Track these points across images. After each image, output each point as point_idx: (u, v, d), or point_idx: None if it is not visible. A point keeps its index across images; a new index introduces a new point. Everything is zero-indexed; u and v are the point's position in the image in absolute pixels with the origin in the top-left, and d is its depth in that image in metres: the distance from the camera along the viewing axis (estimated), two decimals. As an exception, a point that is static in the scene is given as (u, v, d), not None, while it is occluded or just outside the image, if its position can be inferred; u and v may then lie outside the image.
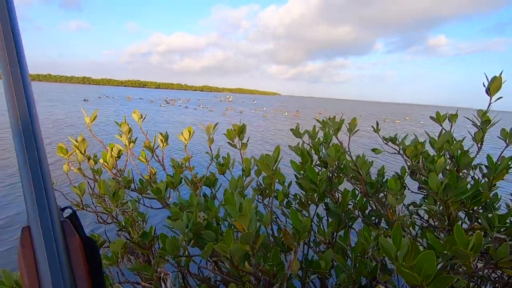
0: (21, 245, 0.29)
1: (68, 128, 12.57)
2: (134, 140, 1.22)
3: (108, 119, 15.78)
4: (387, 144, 1.55)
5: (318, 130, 1.49)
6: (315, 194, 1.24)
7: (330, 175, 1.37)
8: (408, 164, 1.20)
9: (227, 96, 55.53)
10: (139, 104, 29.46)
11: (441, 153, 1.04)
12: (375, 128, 1.65)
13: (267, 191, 1.19)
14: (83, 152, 1.10)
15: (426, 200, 1.08)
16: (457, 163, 0.96)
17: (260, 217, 1.07)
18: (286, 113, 28.23)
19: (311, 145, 1.51)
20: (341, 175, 1.35)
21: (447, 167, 0.98)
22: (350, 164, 1.61)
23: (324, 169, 1.37)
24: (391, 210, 1.01)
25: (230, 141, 1.43)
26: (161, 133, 1.19)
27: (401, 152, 1.43)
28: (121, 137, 1.15)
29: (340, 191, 1.29)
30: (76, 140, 1.09)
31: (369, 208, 1.23)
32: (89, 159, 1.15)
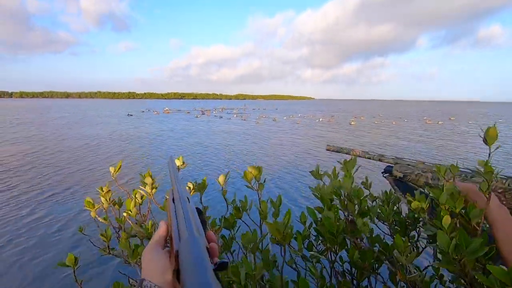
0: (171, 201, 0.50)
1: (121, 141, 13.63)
2: (157, 185, 1.28)
3: (154, 130, 16.97)
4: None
5: (339, 172, 1.44)
6: (335, 245, 1.19)
7: (351, 218, 1.30)
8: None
9: (263, 108, 55.99)
10: (177, 116, 31.08)
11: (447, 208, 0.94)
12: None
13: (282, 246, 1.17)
14: (108, 200, 1.19)
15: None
16: (467, 216, 0.87)
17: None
18: (321, 119, 27.60)
19: (331, 187, 1.45)
20: (364, 220, 1.28)
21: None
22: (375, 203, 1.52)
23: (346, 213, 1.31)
24: (400, 270, 0.93)
25: (248, 184, 1.44)
26: (190, 182, 1.24)
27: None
28: (145, 187, 1.21)
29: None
30: (102, 189, 1.18)
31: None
32: (114, 204, 1.24)
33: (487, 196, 0.82)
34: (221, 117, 29.70)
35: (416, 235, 1.41)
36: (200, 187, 1.26)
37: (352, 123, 24.26)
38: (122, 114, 32.14)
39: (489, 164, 0.83)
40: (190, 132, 17.76)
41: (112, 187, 1.32)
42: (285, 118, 29.95)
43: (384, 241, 1.20)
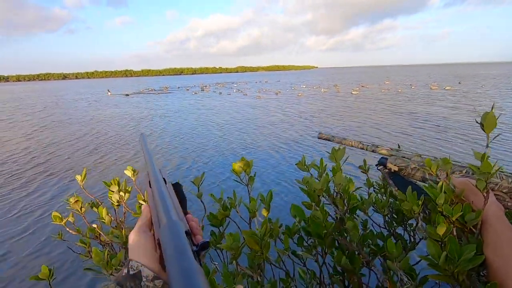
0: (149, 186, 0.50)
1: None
2: (129, 189, 1.20)
3: (151, 112, 16.83)
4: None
5: (326, 164, 1.33)
6: (323, 246, 1.12)
7: (340, 216, 1.22)
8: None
9: (265, 81, 54.85)
10: (177, 94, 30.65)
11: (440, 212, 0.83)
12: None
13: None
14: (80, 212, 1.12)
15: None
16: (462, 219, 0.77)
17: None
18: (322, 90, 26.96)
19: (318, 180, 1.35)
20: (353, 217, 1.20)
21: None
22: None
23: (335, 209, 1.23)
24: (389, 280, 0.85)
25: (238, 179, 1.36)
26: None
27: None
28: (111, 196, 1.13)
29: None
30: (68, 200, 1.11)
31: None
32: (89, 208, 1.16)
33: (485, 195, 0.71)
34: (221, 93, 29.20)
35: (415, 223, 1.33)
36: (198, 181, 1.17)
37: (354, 92, 23.70)
38: (125, 93, 31.76)
39: (487, 157, 0.71)
40: (188, 111, 17.59)
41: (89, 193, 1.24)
42: (287, 90, 29.32)
43: (376, 240, 1.12)
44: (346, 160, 1.30)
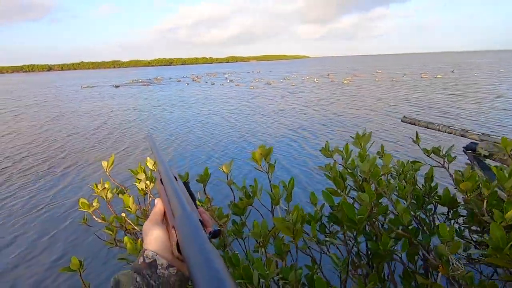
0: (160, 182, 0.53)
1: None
2: (153, 179, 1.16)
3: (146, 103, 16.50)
4: (429, 157, 1.33)
5: (352, 150, 1.31)
6: (352, 232, 1.11)
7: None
8: (463, 197, 1.01)
9: (257, 71, 54.29)
10: (169, 85, 30.07)
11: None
12: (414, 139, 1.43)
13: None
14: (106, 199, 1.08)
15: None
16: None
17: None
18: (315, 79, 26.92)
19: (343, 165, 1.34)
20: (380, 202, 1.20)
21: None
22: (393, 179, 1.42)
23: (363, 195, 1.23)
24: (442, 264, 0.85)
25: (258, 167, 1.33)
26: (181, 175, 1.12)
27: (448, 169, 1.22)
28: (138, 183, 1.10)
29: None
30: (97, 186, 1.07)
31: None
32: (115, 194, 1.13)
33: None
34: (213, 84, 28.80)
35: (433, 208, 1.34)
36: (203, 178, 1.14)
37: (345, 81, 23.77)
38: (115, 84, 30.89)
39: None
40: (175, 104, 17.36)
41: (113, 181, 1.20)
42: (282, 80, 29.14)
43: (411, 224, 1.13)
44: (372, 145, 1.29)
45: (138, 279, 0.40)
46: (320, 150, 1.34)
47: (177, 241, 0.40)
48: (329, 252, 1.23)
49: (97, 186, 1.10)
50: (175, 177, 0.53)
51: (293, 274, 0.96)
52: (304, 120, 10.74)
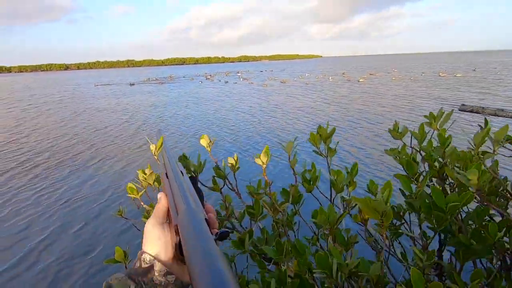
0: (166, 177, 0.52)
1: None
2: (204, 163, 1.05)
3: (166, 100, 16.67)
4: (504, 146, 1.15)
5: (427, 132, 1.15)
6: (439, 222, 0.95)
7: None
8: None
9: (270, 70, 54.27)
10: (184, 84, 30.32)
11: None
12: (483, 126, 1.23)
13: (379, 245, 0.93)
14: (152, 185, 0.97)
15: None
16: None
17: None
18: (330, 78, 26.47)
19: (416, 148, 1.18)
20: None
21: None
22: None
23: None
24: None
25: (316, 149, 1.20)
26: (231, 158, 0.99)
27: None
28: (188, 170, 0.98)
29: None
30: (143, 172, 0.96)
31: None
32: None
33: None
34: (227, 82, 28.82)
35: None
36: (233, 167, 1.01)
37: (361, 80, 23.27)
38: (130, 82, 31.47)
39: None
40: (193, 101, 17.44)
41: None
42: (295, 79, 28.86)
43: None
44: (452, 124, 1.13)
45: (132, 287, 0.37)
46: (388, 130, 1.18)
47: (179, 241, 0.37)
48: (393, 247, 1.08)
49: (144, 172, 0.99)
50: (181, 172, 0.50)
51: (377, 266, 0.81)
52: (326, 116, 10.54)
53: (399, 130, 1.19)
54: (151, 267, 0.38)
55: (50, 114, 13.87)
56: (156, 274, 0.38)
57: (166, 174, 0.51)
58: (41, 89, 30.00)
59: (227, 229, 0.37)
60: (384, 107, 11.62)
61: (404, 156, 1.11)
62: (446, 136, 1.09)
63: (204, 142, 0.96)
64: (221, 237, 0.36)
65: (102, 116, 12.88)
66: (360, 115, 10.35)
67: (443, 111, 1.17)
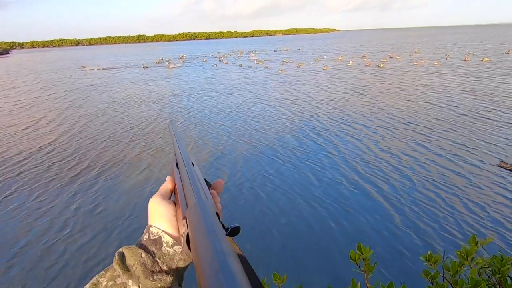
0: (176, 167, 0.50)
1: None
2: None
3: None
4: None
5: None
6: None
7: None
8: None
9: (284, 48, 52.23)
10: (198, 67, 29.99)
11: None
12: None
13: None
14: None
15: None
16: None
17: None
18: (350, 62, 25.48)
19: (448, 280, 1.35)
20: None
21: None
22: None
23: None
24: None
25: (357, 268, 1.37)
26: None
27: None
28: None
29: None
30: None
31: None
32: None
33: None
34: (241, 65, 28.30)
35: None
36: None
37: (381, 65, 22.31)
38: (144, 64, 31.44)
39: None
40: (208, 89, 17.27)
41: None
42: (311, 62, 27.94)
43: None
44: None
45: (143, 255, 0.39)
46: (421, 258, 1.34)
47: (188, 234, 0.35)
48: None
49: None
50: (192, 163, 0.48)
51: None
52: (356, 114, 10.47)
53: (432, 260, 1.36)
54: (159, 238, 0.40)
55: (80, 106, 14.23)
56: (165, 245, 0.40)
57: (177, 164, 0.51)
58: (44, 91, 30.35)
59: (238, 225, 0.34)
60: (415, 103, 11.40)
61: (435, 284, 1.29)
62: (476, 278, 1.26)
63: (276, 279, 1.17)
64: (233, 232, 0.34)
65: (128, 108, 13.24)
66: (392, 113, 10.28)
67: (477, 241, 1.31)
